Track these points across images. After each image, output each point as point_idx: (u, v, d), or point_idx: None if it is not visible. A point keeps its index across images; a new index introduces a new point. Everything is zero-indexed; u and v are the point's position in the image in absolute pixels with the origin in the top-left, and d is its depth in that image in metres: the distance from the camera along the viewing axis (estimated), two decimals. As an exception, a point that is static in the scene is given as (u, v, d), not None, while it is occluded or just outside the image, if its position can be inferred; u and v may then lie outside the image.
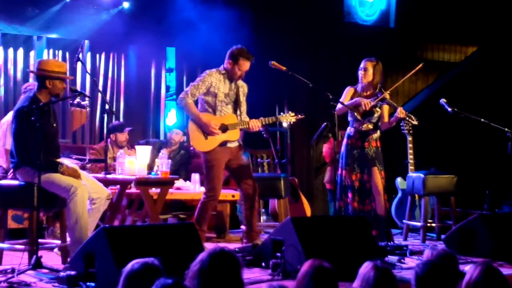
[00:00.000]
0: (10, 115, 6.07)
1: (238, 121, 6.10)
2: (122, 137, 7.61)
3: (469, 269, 3.13)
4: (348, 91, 6.64)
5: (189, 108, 6.01)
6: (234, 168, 6.14)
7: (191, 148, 6.22)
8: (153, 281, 2.70)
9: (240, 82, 6.19)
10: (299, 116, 6.26)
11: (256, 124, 6.09)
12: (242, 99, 6.18)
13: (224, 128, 6.04)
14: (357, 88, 6.67)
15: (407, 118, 6.61)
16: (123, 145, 7.58)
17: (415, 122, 6.64)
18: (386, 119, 6.67)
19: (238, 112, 6.13)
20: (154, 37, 8.89)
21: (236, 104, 6.13)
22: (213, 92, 6.03)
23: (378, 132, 6.64)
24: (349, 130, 6.64)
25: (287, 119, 6.24)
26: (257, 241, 5.96)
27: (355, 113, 6.51)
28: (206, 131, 5.99)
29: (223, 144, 6.03)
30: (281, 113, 6.29)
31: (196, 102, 6.10)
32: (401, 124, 7.42)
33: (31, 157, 5.00)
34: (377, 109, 6.57)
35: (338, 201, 6.57)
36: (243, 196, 6.16)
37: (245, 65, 6.04)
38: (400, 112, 6.52)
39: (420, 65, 6.83)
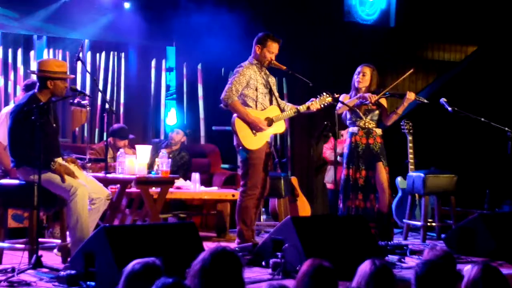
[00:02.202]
0: (7, 109, 6.11)
1: (286, 111, 6.01)
2: (121, 143, 7.57)
3: (467, 269, 3.13)
4: (344, 98, 6.60)
5: (237, 106, 5.83)
6: None
7: (240, 147, 5.90)
8: (154, 281, 2.70)
9: (267, 72, 6.07)
10: (335, 95, 6.09)
11: (316, 104, 6.00)
12: (273, 88, 6.07)
13: (270, 122, 5.93)
14: (351, 94, 6.64)
15: (418, 99, 6.56)
16: (121, 149, 7.58)
17: (426, 101, 6.60)
18: (388, 112, 6.65)
19: (275, 102, 6.03)
20: (154, 36, 8.89)
21: (271, 95, 6.03)
22: (253, 85, 5.89)
23: (380, 129, 6.65)
24: (352, 129, 6.62)
25: (323, 101, 6.07)
26: (252, 240, 5.93)
27: (358, 111, 6.50)
28: (255, 128, 5.85)
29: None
30: (318, 96, 6.07)
31: None
32: (401, 123, 7.44)
33: (29, 156, 5.00)
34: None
35: (345, 200, 6.54)
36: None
37: (274, 47, 5.93)
38: (410, 94, 6.50)
39: (411, 70, 6.76)
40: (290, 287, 2.95)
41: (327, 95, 6.07)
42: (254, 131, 5.85)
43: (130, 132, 7.74)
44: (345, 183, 6.56)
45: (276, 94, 6.13)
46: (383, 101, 6.65)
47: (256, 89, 5.91)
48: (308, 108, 6.04)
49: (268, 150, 6.01)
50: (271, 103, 6.03)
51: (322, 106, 6.08)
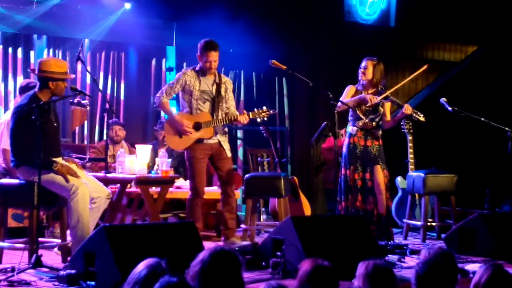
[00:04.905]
0: (8, 114, 6.07)
1: (213, 119, 6.11)
2: (112, 133, 7.61)
3: (478, 269, 3.11)
4: (349, 90, 6.63)
5: (164, 107, 6.21)
6: (216, 164, 6.21)
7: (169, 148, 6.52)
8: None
9: (224, 78, 6.24)
10: (271, 111, 6.27)
11: (245, 118, 6.12)
12: (224, 94, 6.18)
13: (197, 126, 6.08)
14: (358, 87, 6.66)
15: (414, 114, 6.55)
16: (118, 140, 7.59)
17: (422, 119, 6.57)
18: (388, 117, 6.65)
19: (218, 109, 6.13)
20: (154, 36, 8.88)
21: (214, 101, 6.13)
22: (189, 90, 6.10)
23: (380, 130, 6.64)
24: (351, 129, 6.61)
25: (259, 115, 6.22)
26: (233, 238, 6.10)
27: (358, 111, 6.49)
28: (180, 130, 6.06)
29: (200, 141, 6.08)
30: (254, 109, 6.25)
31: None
32: (401, 123, 7.43)
33: (29, 156, 5.00)
34: (380, 107, 6.56)
35: (344, 201, 6.54)
36: (221, 192, 6.26)
37: (211, 55, 6.06)
38: (407, 108, 6.50)
39: (425, 67, 6.80)
40: (289, 287, 2.95)
41: (265, 110, 6.20)
42: (179, 133, 6.07)
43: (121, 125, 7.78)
44: (344, 184, 6.56)
45: (229, 103, 6.21)
46: (387, 105, 6.64)
47: (191, 95, 6.08)
48: (236, 118, 6.14)
49: (213, 152, 6.14)
50: (212, 109, 6.10)
51: (260, 119, 6.22)
